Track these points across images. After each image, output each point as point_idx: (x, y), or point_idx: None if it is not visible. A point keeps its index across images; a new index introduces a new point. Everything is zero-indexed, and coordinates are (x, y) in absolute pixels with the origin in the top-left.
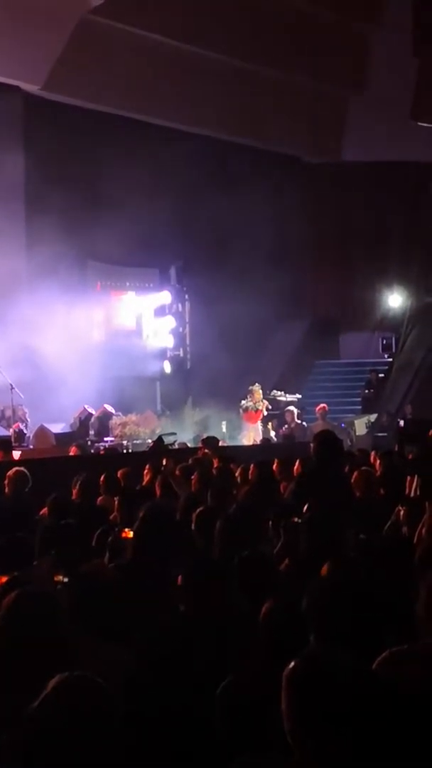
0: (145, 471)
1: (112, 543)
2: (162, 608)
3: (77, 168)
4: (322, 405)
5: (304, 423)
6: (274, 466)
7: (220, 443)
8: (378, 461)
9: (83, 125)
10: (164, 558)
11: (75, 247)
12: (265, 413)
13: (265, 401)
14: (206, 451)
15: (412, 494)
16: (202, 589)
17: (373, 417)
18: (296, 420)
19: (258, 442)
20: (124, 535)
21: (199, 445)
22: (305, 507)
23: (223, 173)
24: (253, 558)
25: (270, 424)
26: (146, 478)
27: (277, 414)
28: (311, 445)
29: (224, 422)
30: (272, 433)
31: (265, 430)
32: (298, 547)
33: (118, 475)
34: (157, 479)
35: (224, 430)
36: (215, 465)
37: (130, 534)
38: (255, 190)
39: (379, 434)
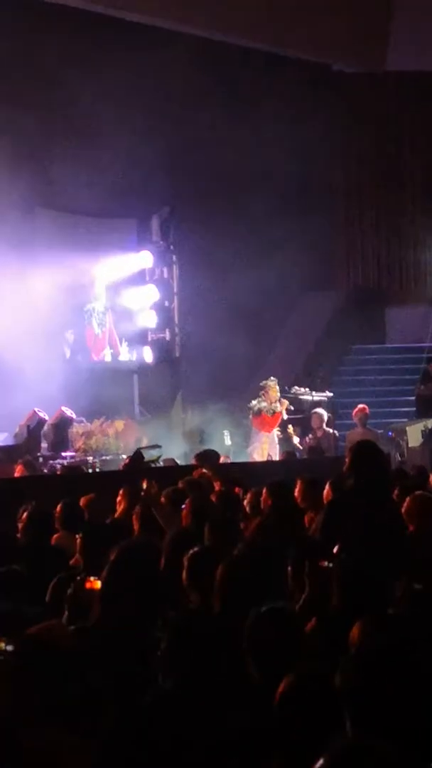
0: (119, 498)
1: (73, 597)
2: (139, 685)
3: (28, 80)
4: (361, 406)
5: (335, 432)
6: (297, 491)
7: (222, 460)
8: None
9: (37, 23)
10: (143, 617)
11: (20, 189)
12: (285, 417)
13: (284, 401)
14: (203, 470)
15: None
16: (196, 658)
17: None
18: (325, 427)
19: (274, 458)
20: (88, 585)
21: (192, 462)
22: (338, 546)
23: (226, 89)
24: (268, 617)
25: (290, 430)
26: (120, 508)
27: (300, 418)
28: (346, 460)
29: (227, 431)
30: (296, 441)
31: (285, 441)
32: (328, 602)
33: (81, 503)
34: (135, 509)
35: (228, 441)
36: (215, 489)
37: (97, 584)
38: (269, 111)
39: None
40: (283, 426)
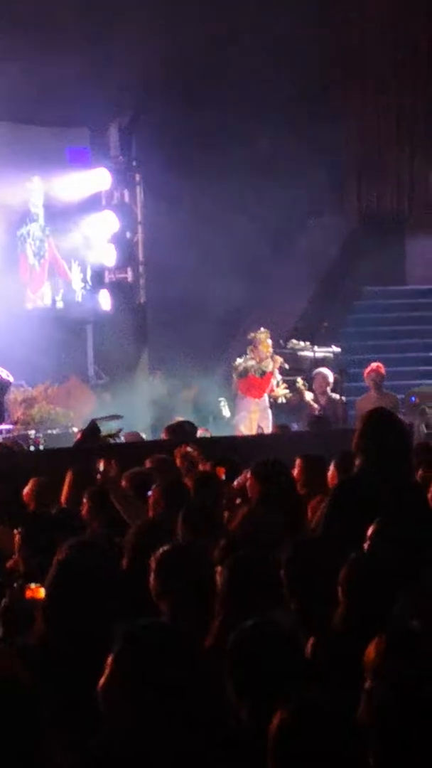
0: (66, 483)
1: (9, 608)
2: (89, 720)
3: None
4: (375, 365)
5: (342, 397)
6: (295, 473)
7: (200, 433)
8: None
9: None
10: (98, 634)
11: None
12: (278, 378)
13: (276, 357)
14: (187, 448)
15: None
16: (163, 686)
17: None
18: (330, 392)
19: (265, 430)
20: (29, 594)
21: (163, 435)
22: (345, 542)
23: None
24: (257, 634)
25: (300, 384)
26: (65, 494)
27: (294, 382)
28: (355, 433)
29: (223, 399)
30: (310, 398)
31: (296, 400)
32: (331, 615)
33: (24, 491)
34: (87, 496)
35: (226, 413)
36: (195, 470)
37: (40, 592)
38: None
39: None
40: (290, 382)
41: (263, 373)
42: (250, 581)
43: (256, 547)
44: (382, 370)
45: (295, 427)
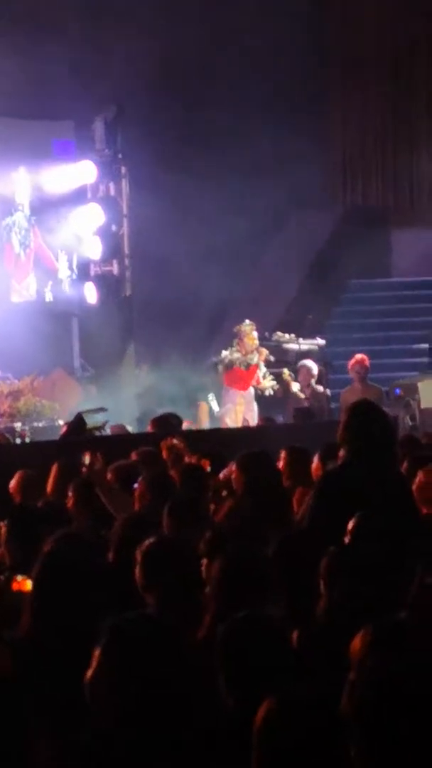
0: (51, 475)
1: None
2: (75, 713)
3: None
4: (359, 357)
5: (327, 390)
6: (280, 464)
7: (185, 426)
8: None
9: None
10: (84, 626)
11: None
12: (264, 370)
13: (262, 349)
14: (173, 440)
15: None
16: (149, 679)
17: None
18: (314, 384)
19: (250, 423)
20: (15, 586)
21: (149, 428)
22: (330, 534)
23: None
24: (247, 626)
25: (287, 375)
26: (51, 487)
27: (281, 374)
28: (339, 425)
29: (212, 394)
30: (297, 389)
31: (282, 392)
32: (317, 607)
33: (10, 485)
34: (73, 488)
35: (215, 407)
36: (181, 462)
37: (27, 585)
38: None
39: None
40: (276, 374)
41: (248, 365)
42: (241, 575)
43: (242, 540)
44: (366, 362)
45: (280, 419)
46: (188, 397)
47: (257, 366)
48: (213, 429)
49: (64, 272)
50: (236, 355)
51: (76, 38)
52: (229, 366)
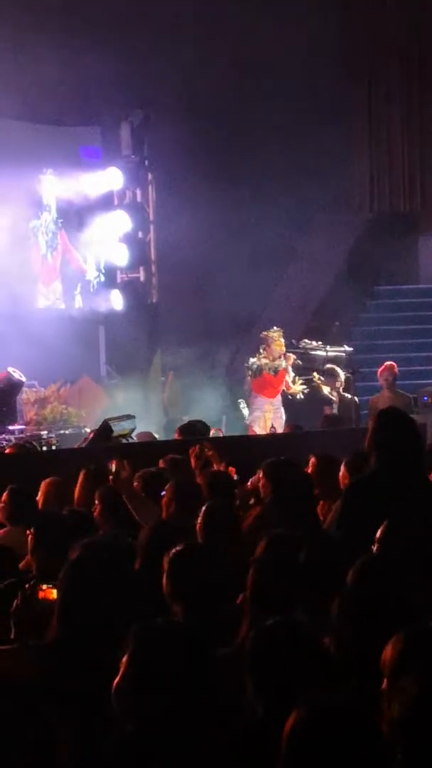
0: (78, 483)
1: (22, 609)
2: (101, 721)
3: None
4: (388, 363)
5: (355, 397)
6: (309, 471)
7: (212, 433)
8: None
9: None
10: (110, 633)
11: None
12: (292, 374)
13: (289, 355)
14: (207, 450)
15: None
16: (176, 689)
17: None
18: (342, 391)
19: (278, 430)
20: (41, 595)
21: (176, 435)
22: (358, 544)
23: None
24: (273, 633)
25: (317, 378)
26: (78, 494)
27: (311, 379)
28: (367, 433)
29: (242, 401)
30: (327, 391)
31: (312, 395)
32: (346, 616)
33: (39, 492)
34: (99, 496)
35: (246, 412)
36: (208, 469)
37: (53, 593)
38: None
39: None
40: (306, 380)
41: (277, 371)
42: (276, 582)
43: (274, 547)
44: (395, 369)
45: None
46: (215, 404)
47: (286, 371)
48: (240, 436)
49: (92, 274)
50: (264, 361)
51: (103, 45)
52: (258, 372)
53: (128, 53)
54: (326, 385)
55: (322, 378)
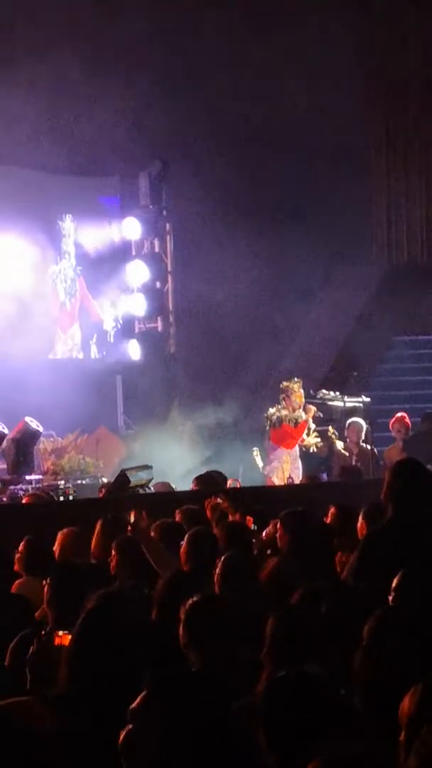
0: (96, 532)
1: (37, 657)
2: None
3: None
4: (399, 415)
5: (373, 447)
6: (328, 521)
7: (230, 483)
8: None
9: None
10: (126, 685)
11: None
12: (312, 427)
13: (310, 407)
14: (217, 499)
15: None
16: (192, 735)
17: None
18: (362, 443)
19: (295, 481)
20: (57, 641)
21: (193, 486)
22: (376, 595)
23: (231, 11)
24: (286, 685)
25: (331, 433)
26: (94, 544)
27: (326, 430)
28: (383, 484)
29: (256, 449)
30: (341, 447)
31: (326, 448)
32: (365, 668)
33: (56, 542)
34: (116, 546)
35: (260, 462)
36: (225, 520)
37: (69, 640)
38: (286, 38)
39: None
40: (321, 432)
41: (297, 422)
42: (296, 633)
43: (293, 599)
44: (407, 420)
45: (324, 477)
46: (232, 454)
47: (306, 423)
48: (257, 487)
49: (108, 324)
50: (284, 412)
51: (121, 95)
52: (278, 423)
53: (147, 102)
54: (340, 439)
55: (336, 433)
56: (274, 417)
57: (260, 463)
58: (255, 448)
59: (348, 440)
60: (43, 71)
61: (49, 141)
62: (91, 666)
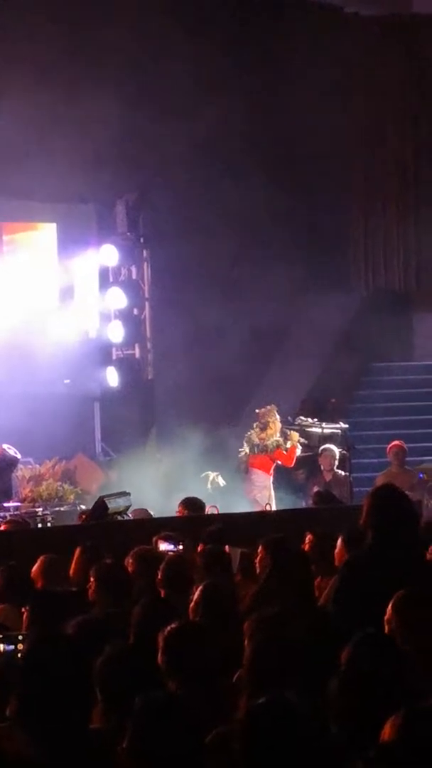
0: (74, 559)
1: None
2: None
3: None
4: (396, 442)
5: (349, 473)
6: (306, 548)
7: (207, 510)
8: None
9: None
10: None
11: None
12: (299, 454)
13: (293, 433)
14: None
15: None
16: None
17: None
18: (336, 469)
19: (271, 506)
20: None
21: (178, 511)
22: (354, 622)
23: (214, 31)
24: (270, 713)
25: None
26: (73, 571)
27: (308, 457)
28: (363, 510)
29: (213, 473)
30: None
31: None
32: (343, 694)
33: (32, 569)
34: (94, 573)
35: (219, 480)
36: (199, 549)
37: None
38: (267, 66)
39: None
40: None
41: (274, 449)
42: (272, 659)
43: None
44: (404, 446)
45: (302, 504)
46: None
47: (280, 451)
48: (230, 513)
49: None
50: (261, 437)
51: (98, 122)
52: (259, 449)
53: (124, 131)
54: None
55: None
56: (254, 443)
57: (222, 483)
58: (207, 472)
59: (322, 467)
60: (28, 101)
61: (26, 169)
62: (68, 697)
